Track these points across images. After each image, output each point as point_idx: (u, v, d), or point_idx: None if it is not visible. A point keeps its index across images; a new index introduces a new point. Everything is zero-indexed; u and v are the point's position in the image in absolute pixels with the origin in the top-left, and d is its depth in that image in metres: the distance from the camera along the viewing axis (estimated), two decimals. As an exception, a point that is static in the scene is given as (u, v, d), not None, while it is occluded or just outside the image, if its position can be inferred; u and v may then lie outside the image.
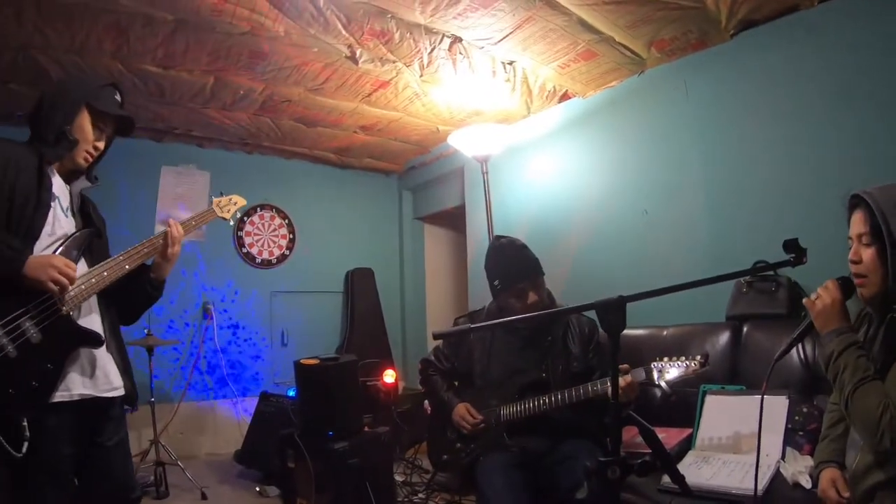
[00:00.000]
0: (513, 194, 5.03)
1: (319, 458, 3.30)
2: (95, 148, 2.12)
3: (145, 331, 4.39)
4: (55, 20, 3.22)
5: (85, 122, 2.07)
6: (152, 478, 4.17)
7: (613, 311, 1.39)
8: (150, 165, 5.19)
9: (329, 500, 3.28)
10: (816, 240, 1.80)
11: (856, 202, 1.73)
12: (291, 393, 4.61)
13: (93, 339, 1.98)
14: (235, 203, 2.65)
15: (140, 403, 4.17)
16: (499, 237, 3.00)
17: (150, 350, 4.34)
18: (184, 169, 5.37)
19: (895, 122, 2.86)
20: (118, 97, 2.21)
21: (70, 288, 1.88)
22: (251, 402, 5.13)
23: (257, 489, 4.27)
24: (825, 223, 1.89)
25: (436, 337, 1.40)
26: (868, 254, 1.68)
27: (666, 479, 2.27)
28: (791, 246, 1.62)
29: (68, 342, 1.93)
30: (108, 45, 3.52)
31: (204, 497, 4.12)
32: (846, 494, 1.76)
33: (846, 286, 1.77)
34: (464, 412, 2.84)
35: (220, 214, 2.59)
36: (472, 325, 1.49)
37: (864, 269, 1.69)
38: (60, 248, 1.95)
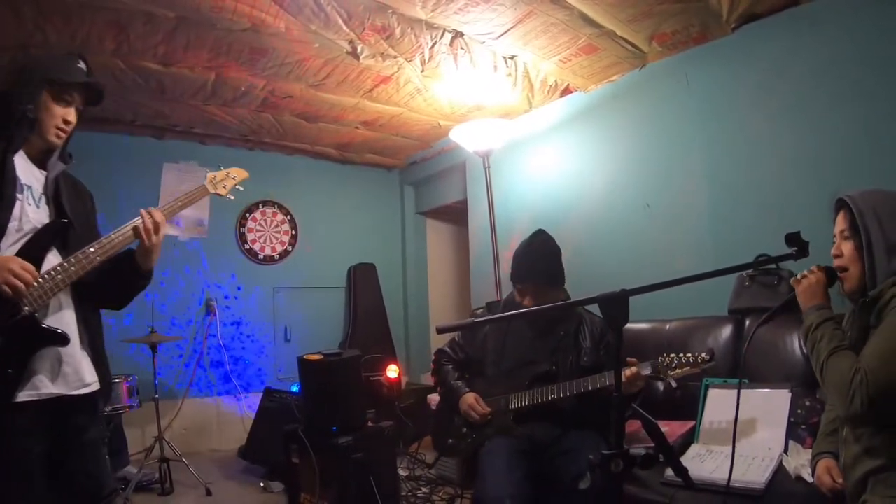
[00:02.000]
0: (515, 189, 5.03)
1: (323, 453, 3.30)
2: (66, 122, 2.01)
3: (148, 328, 4.39)
4: (55, 17, 3.20)
5: (48, 97, 1.96)
6: (157, 474, 4.19)
7: (616, 304, 1.39)
8: (151, 163, 5.19)
9: (333, 495, 3.29)
10: (819, 234, 1.83)
11: (840, 204, 1.85)
12: (295, 388, 4.63)
13: (58, 339, 1.88)
14: (234, 177, 2.43)
15: (144, 400, 4.25)
16: (539, 232, 3.01)
17: (153, 347, 4.34)
18: (185, 166, 5.38)
19: (897, 115, 2.86)
20: (82, 65, 2.08)
21: (28, 288, 1.77)
22: (255, 398, 5.15)
23: (261, 485, 4.28)
24: (827, 217, 1.91)
25: (440, 331, 1.40)
26: (847, 247, 1.81)
27: (669, 472, 2.28)
28: (793, 239, 1.65)
29: (32, 343, 1.84)
30: (109, 43, 3.51)
31: (208, 493, 4.13)
32: (840, 481, 1.82)
33: (830, 273, 1.89)
34: (473, 402, 2.86)
35: (214, 191, 2.38)
36: (476, 319, 1.50)
37: (844, 262, 1.82)
38: (24, 246, 1.85)
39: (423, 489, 4.08)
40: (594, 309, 1.53)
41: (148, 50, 3.65)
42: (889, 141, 2.87)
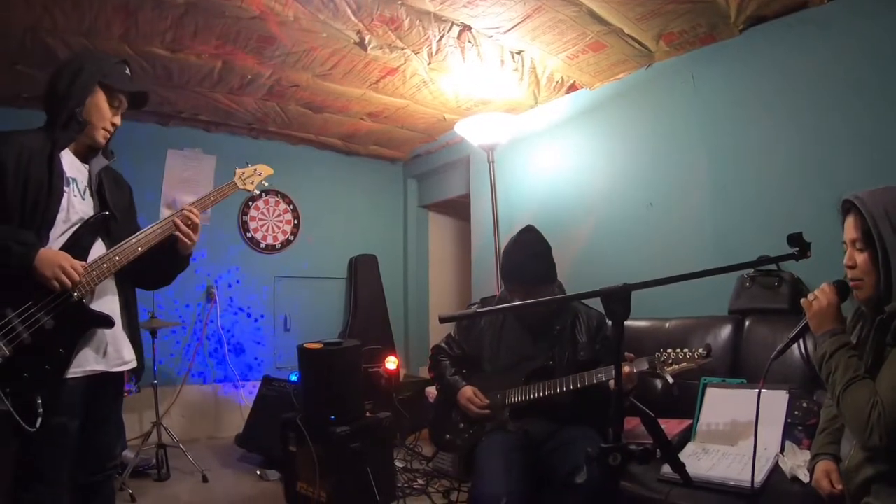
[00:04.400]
0: (518, 184, 5.03)
1: (321, 442, 3.32)
2: (113, 125, 2.18)
3: (148, 313, 4.41)
4: (64, 2, 3.20)
5: (100, 100, 2.12)
6: (154, 460, 4.20)
7: (618, 299, 1.40)
8: (156, 149, 5.21)
9: (330, 485, 3.31)
10: (823, 236, 1.80)
11: (848, 207, 1.77)
12: (294, 378, 4.63)
13: (104, 322, 2.06)
14: (260, 174, 2.58)
15: (142, 386, 4.26)
16: (526, 230, 2.95)
17: (153, 332, 4.36)
18: (190, 152, 5.40)
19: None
20: (128, 72, 2.27)
21: (75, 283, 1.95)
22: (253, 387, 5.16)
23: (258, 473, 4.30)
24: (833, 220, 1.89)
25: (442, 320, 1.41)
26: (862, 259, 1.72)
27: (665, 469, 2.29)
28: (795, 240, 1.63)
29: (80, 326, 2.03)
30: (117, 28, 3.51)
31: (205, 480, 4.15)
32: (839, 487, 1.80)
33: (842, 289, 1.82)
34: (471, 395, 2.86)
35: (242, 187, 2.55)
36: (478, 310, 1.51)
37: (858, 274, 1.74)
38: (72, 237, 2.03)
39: (420, 481, 4.10)
40: (596, 303, 1.52)
41: (156, 36, 3.65)
42: (894, 139, 2.87)
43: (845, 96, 3.08)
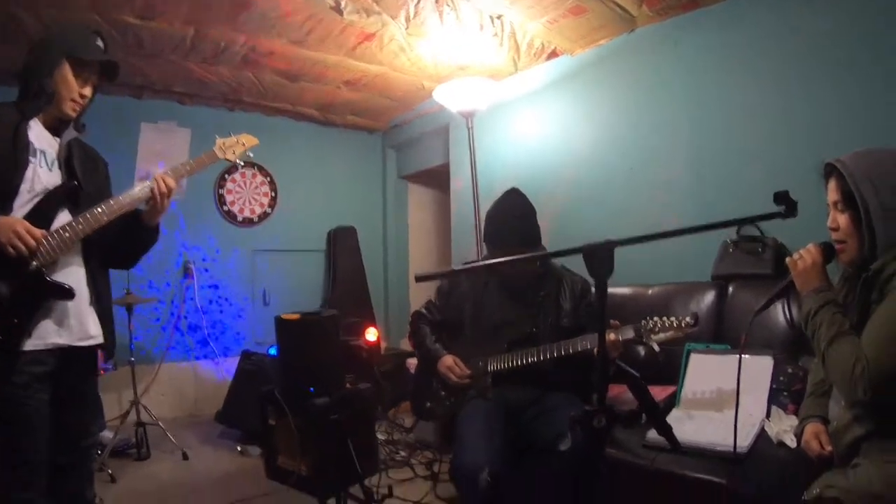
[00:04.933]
0: (498, 152, 4.97)
1: (300, 415, 3.26)
2: (81, 96, 2.11)
3: (124, 290, 4.31)
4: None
5: (67, 72, 2.06)
6: (133, 439, 4.15)
7: (601, 255, 1.34)
8: (129, 122, 5.09)
9: (311, 458, 3.26)
10: (808, 204, 1.74)
11: (830, 170, 1.79)
12: (273, 351, 4.57)
13: (63, 293, 2.00)
14: (244, 144, 2.44)
15: (120, 364, 4.19)
16: (510, 192, 2.88)
17: (129, 309, 4.27)
18: (164, 125, 5.27)
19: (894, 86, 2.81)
20: (101, 43, 2.18)
21: (32, 251, 1.90)
22: (233, 363, 5.08)
23: (238, 449, 4.26)
24: (818, 189, 1.86)
25: (418, 279, 1.35)
26: (844, 220, 1.74)
27: (651, 434, 2.27)
28: (782, 198, 1.59)
29: (37, 297, 1.96)
30: (86, -4, 3.39)
31: (185, 458, 4.12)
32: (828, 448, 1.80)
33: (827, 250, 1.83)
34: (451, 363, 2.81)
35: (223, 157, 2.40)
36: (456, 268, 1.45)
37: (842, 235, 1.77)
38: (35, 206, 1.97)
39: (402, 453, 4.07)
40: (578, 262, 1.47)
41: (125, 3, 3.54)
42: (880, 110, 2.84)
43: (832, 62, 3.04)
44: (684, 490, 2.11)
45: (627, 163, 3.99)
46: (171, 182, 2.17)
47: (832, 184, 1.78)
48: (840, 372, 1.61)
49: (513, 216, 2.76)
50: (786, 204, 1.59)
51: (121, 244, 2.23)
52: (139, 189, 2.14)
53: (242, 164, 2.53)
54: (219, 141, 2.42)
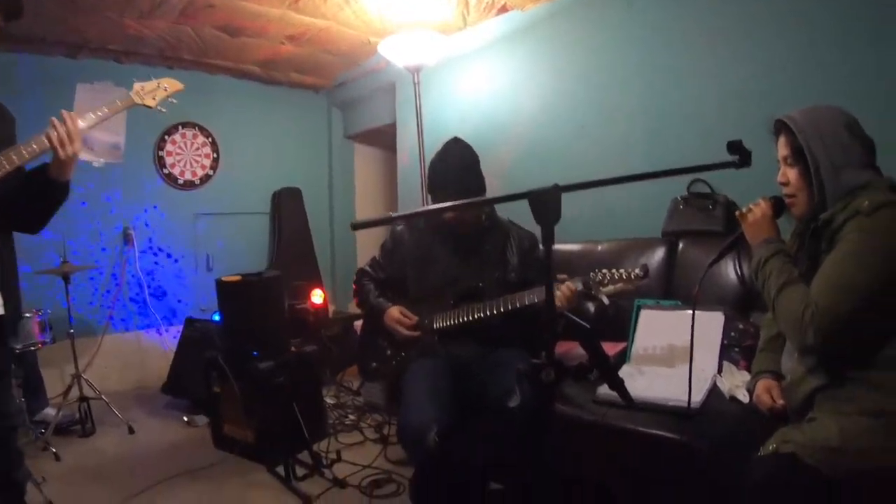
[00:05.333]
0: (445, 109, 4.87)
1: (244, 380, 3.18)
2: None
3: (60, 258, 4.08)
4: None
5: None
6: (77, 415, 4.00)
7: (547, 201, 1.26)
8: (64, 84, 4.78)
9: (257, 424, 3.18)
10: (759, 163, 1.72)
11: (780, 126, 1.80)
12: (217, 317, 4.44)
13: None
14: (166, 88, 2.24)
15: (59, 337, 4.00)
16: (453, 141, 2.79)
17: (66, 278, 4.03)
18: (100, 86, 4.99)
19: (848, 43, 2.79)
20: None
21: None
22: (177, 332, 4.93)
23: (185, 419, 4.17)
24: (768, 145, 1.84)
25: (354, 227, 1.26)
26: (793, 174, 1.77)
27: (602, 390, 2.24)
28: (736, 147, 1.54)
29: None
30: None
31: (131, 431, 4.01)
32: (780, 401, 1.80)
33: (777, 204, 1.86)
34: (398, 315, 2.73)
35: (140, 102, 2.19)
36: (393, 214, 1.36)
37: (792, 190, 1.79)
38: None
39: (351, 417, 4.02)
40: (526, 218, 1.39)
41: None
42: (833, 69, 2.82)
43: (784, 19, 3.00)
44: (636, 445, 2.09)
45: (578, 119, 3.94)
46: (74, 125, 1.93)
47: (782, 139, 1.80)
48: (790, 318, 1.61)
49: (457, 166, 2.67)
50: (739, 153, 1.54)
51: (25, 203, 1.98)
52: (41, 136, 1.89)
53: (164, 110, 2.29)
54: (136, 85, 2.21)
